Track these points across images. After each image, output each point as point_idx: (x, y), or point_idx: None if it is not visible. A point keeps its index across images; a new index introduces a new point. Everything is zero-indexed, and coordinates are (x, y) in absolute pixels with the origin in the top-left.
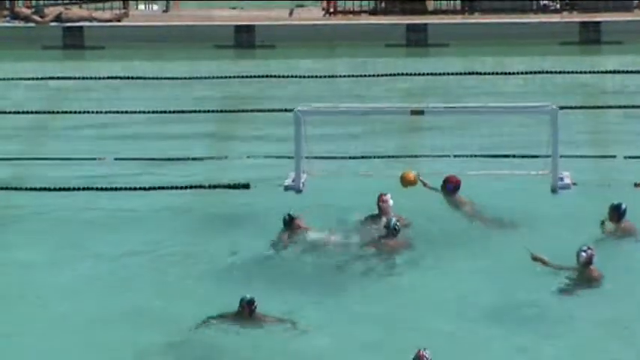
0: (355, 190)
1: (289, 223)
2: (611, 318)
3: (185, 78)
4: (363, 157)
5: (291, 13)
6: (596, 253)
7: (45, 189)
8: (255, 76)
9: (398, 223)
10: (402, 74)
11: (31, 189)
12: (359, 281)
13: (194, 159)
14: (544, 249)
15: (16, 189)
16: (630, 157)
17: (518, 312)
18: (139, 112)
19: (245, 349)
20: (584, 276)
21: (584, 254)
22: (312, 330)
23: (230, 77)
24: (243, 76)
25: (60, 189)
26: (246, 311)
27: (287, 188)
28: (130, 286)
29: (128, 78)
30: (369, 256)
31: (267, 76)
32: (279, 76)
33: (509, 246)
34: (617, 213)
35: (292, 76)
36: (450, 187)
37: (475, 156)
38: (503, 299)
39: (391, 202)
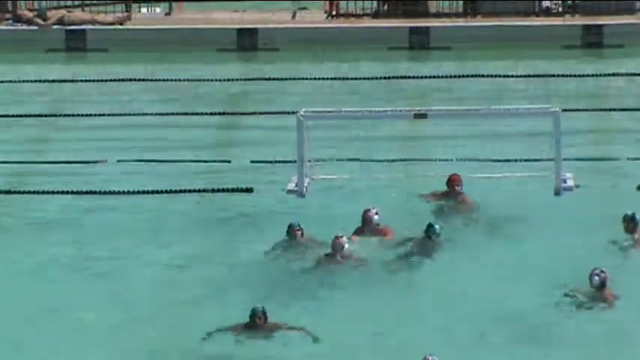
0: (359, 194)
1: (291, 232)
2: (625, 338)
3: (188, 80)
4: (366, 161)
5: (293, 16)
6: (609, 275)
7: (47, 192)
8: (257, 79)
9: (439, 228)
10: (405, 77)
11: (34, 192)
12: (372, 287)
13: (197, 162)
14: (547, 251)
15: (18, 193)
16: (634, 159)
17: (527, 326)
18: (142, 114)
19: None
20: (598, 298)
21: (597, 278)
22: (324, 336)
23: (233, 80)
24: (245, 79)
25: (63, 192)
26: (261, 321)
27: (290, 192)
28: (131, 295)
29: (130, 80)
30: (388, 261)
31: (269, 79)
32: (281, 79)
33: (513, 248)
34: (632, 223)
35: (295, 79)
36: (455, 186)
37: (478, 160)
38: (511, 308)
39: (376, 217)
